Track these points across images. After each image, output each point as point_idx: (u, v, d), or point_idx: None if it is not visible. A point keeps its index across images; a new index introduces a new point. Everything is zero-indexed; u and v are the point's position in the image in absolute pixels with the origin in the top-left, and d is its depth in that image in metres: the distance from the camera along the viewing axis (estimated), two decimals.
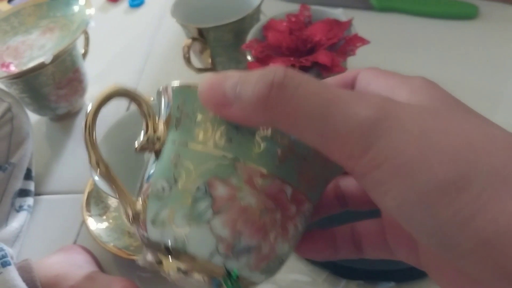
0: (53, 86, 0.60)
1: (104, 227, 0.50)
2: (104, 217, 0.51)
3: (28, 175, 0.56)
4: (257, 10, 0.61)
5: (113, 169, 0.32)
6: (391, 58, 0.62)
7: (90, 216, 0.51)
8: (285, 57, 0.52)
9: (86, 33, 0.66)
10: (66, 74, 0.61)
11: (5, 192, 0.52)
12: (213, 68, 0.64)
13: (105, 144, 0.47)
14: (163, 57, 0.75)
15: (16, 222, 0.53)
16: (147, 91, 0.69)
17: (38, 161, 0.60)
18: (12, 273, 0.39)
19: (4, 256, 0.39)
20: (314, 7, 0.56)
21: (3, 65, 0.58)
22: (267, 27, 0.55)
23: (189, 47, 0.59)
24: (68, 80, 0.62)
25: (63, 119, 0.67)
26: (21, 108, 0.56)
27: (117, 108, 0.63)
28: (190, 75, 0.63)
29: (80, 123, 0.67)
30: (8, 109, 0.54)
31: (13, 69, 0.57)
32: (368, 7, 0.72)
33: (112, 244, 0.47)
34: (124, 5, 0.88)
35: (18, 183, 0.54)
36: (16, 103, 0.55)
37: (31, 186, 0.56)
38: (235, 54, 0.63)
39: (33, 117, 0.63)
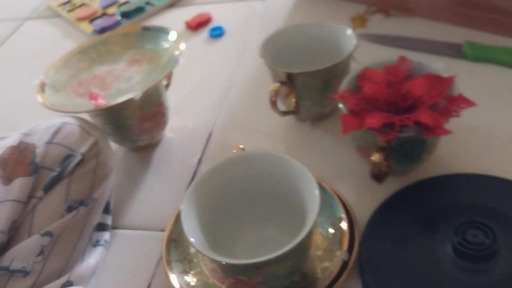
0: (138, 119, 0.60)
1: (185, 275, 0.48)
2: (185, 263, 0.50)
3: (106, 209, 0.56)
4: (349, 57, 0.59)
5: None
6: (489, 114, 0.59)
7: (169, 261, 0.50)
8: (383, 112, 0.49)
9: None
10: (151, 108, 0.61)
11: (85, 227, 0.52)
12: (297, 111, 0.62)
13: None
14: (243, 92, 0.74)
15: (93, 258, 0.52)
16: (225, 126, 0.68)
17: (115, 191, 0.60)
18: None
19: None
20: (413, 60, 0.53)
21: (91, 96, 0.58)
22: (362, 77, 0.53)
23: (277, 91, 0.58)
24: (153, 113, 0.61)
25: (142, 150, 0.67)
26: (106, 143, 0.55)
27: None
28: (273, 117, 0.62)
29: (159, 155, 0.66)
30: (95, 144, 0.53)
31: (101, 101, 0.57)
32: (461, 55, 0.69)
33: None
34: (204, 34, 0.88)
35: (97, 218, 0.54)
36: (102, 138, 0.55)
37: (109, 220, 0.56)
38: (320, 98, 0.61)
39: (112, 145, 0.63)
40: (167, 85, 0.67)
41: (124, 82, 0.61)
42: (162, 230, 0.56)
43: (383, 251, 0.47)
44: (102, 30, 0.94)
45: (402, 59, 0.53)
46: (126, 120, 0.60)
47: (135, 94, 0.55)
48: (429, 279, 0.44)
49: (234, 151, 0.53)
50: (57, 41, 0.98)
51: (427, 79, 0.51)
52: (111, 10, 1.01)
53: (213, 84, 0.77)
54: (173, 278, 0.48)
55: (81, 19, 1.00)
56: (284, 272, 0.43)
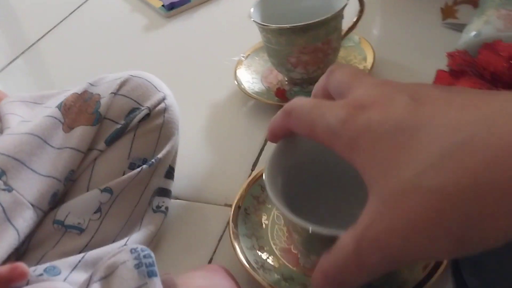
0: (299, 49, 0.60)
1: (254, 251, 0.43)
2: (254, 239, 0.44)
3: (169, 174, 0.51)
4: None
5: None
6: None
7: (236, 235, 0.44)
8: (483, 81, 0.43)
9: None
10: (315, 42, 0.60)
11: (146, 189, 0.47)
12: None
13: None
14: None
15: (153, 225, 0.47)
16: None
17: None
18: (158, 286, 0.32)
19: (151, 264, 0.33)
20: None
21: None
22: (487, 45, 0.47)
23: None
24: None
25: None
26: (174, 101, 0.51)
27: None
28: None
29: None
30: (162, 100, 0.49)
31: None
32: None
33: (261, 273, 0.40)
34: None
35: (160, 181, 0.49)
36: (170, 95, 0.50)
37: (171, 186, 0.51)
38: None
39: None
40: (349, 31, 0.64)
41: None
42: (226, 205, 0.51)
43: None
44: (171, 6, 0.91)
45: None
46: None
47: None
48: None
49: None
50: (125, 15, 0.96)
51: None
52: None
53: None
54: (240, 252, 0.43)
55: None
56: None
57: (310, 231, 0.33)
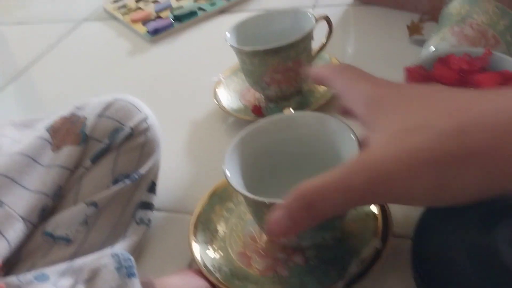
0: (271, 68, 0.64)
1: (212, 255, 0.47)
2: (212, 245, 0.48)
3: (151, 188, 0.54)
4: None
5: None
6: None
7: (196, 242, 0.48)
8: None
9: None
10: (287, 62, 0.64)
11: (129, 202, 0.51)
12: None
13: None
14: None
15: (136, 235, 0.51)
16: None
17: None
18: (136, 286, 0.36)
19: (131, 266, 0.37)
20: (498, 54, 0.50)
21: None
22: (441, 60, 0.51)
23: None
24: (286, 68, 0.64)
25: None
26: (155, 121, 0.55)
27: None
28: None
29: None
30: (144, 120, 0.53)
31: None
32: None
33: (217, 275, 0.44)
34: None
35: (142, 195, 0.53)
36: (152, 115, 0.54)
37: (153, 199, 0.55)
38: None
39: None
40: (319, 50, 0.69)
41: None
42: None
43: (440, 243, 0.44)
44: (155, 31, 0.96)
45: (488, 52, 0.51)
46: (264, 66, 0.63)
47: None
48: (488, 274, 0.40)
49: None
50: (111, 41, 1.01)
51: (499, 76, 0.48)
52: (165, 13, 1.03)
53: None
54: (199, 257, 0.47)
55: (134, 21, 1.02)
56: None
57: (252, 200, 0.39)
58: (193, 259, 0.50)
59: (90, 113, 0.52)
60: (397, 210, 0.47)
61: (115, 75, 0.89)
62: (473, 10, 0.60)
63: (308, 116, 0.47)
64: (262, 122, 0.47)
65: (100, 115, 0.52)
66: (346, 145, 0.42)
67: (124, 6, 1.11)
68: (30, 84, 0.96)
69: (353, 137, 0.41)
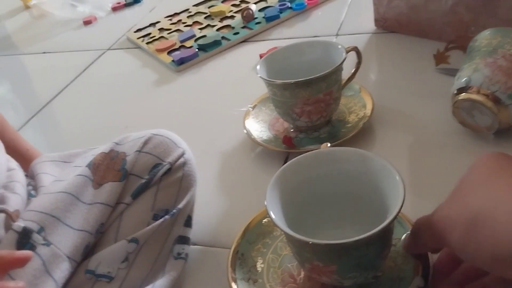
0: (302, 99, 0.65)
1: None
2: (250, 282, 0.48)
3: (188, 222, 0.54)
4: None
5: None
6: None
7: (235, 279, 0.48)
8: None
9: None
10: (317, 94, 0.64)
11: (168, 237, 0.51)
12: None
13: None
14: None
15: (175, 271, 0.51)
16: None
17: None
18: None
19: None
20: None
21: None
22: None
23: None
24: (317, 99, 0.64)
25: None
26: (191, 155, 0.55)
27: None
28: None
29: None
30: (182, 155, 0.54)
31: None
32: None
33: None
34: None
35: (180, 229, 0.53)
36: (188, 150, 0.55)
37: (190, 233, 0.55)
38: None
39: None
40: (348, 81, 0.71)
41: None
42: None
43: None
44: (181, 61, 0.97)
45: None
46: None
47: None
48: None
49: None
50: (137, 70, 1.02)
51: None
52: (189, 43, 1.04)
53: None
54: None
55: (159, 50, 1.04)
56: (360, 261, 0.40)
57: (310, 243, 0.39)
58: None
59: (129, 149, 0.53)
60: None
61: (142, 105, 0.90)
62: (505, 41, 0.60)
63: (350, 152, 0.47)
64: (302, 157, 0.47)
65: (140, 151, 0.52)
66: (391, 186, 0.41)
67: (148, 35, 1.13)
68: (54, 116, 0.97)
69: (398, 179, 0.41)
